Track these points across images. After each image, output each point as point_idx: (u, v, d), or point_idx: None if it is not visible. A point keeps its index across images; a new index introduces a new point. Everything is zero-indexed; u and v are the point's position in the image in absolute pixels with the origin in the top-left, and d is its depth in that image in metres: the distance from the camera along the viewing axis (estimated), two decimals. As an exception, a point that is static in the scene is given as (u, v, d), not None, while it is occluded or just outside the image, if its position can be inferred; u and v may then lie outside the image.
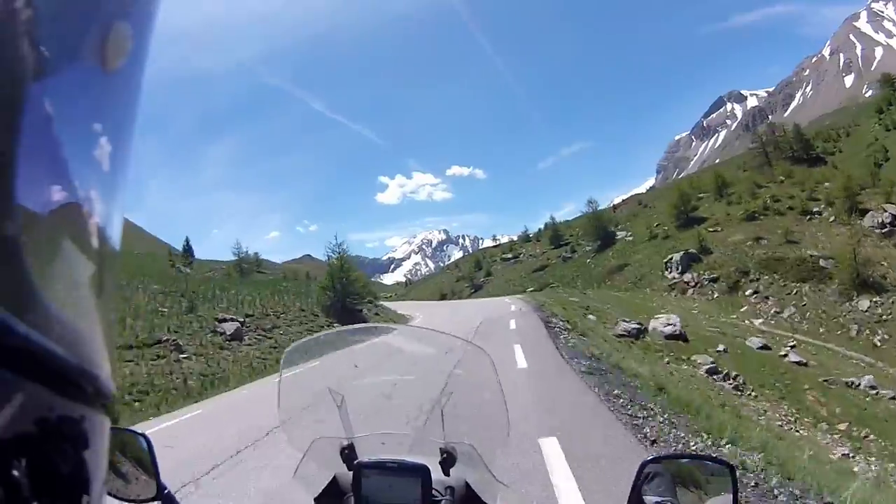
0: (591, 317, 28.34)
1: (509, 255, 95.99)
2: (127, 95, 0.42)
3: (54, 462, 0.37)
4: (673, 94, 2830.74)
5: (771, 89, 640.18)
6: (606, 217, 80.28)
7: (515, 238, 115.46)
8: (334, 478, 1.34)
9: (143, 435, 1.40)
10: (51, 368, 0.36)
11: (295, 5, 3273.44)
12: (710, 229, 57.89)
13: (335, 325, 27.41)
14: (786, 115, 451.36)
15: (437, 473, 1.25)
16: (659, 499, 1.26)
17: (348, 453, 1.32)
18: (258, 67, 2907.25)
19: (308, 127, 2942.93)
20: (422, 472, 1.21)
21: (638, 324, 29.77)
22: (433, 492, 1.24)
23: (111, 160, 0.40)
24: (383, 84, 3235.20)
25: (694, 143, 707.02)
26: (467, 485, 1.31)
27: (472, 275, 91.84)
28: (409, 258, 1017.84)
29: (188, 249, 73.96)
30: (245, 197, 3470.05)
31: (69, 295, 0.37)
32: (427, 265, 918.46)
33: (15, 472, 0.33)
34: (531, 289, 60.12)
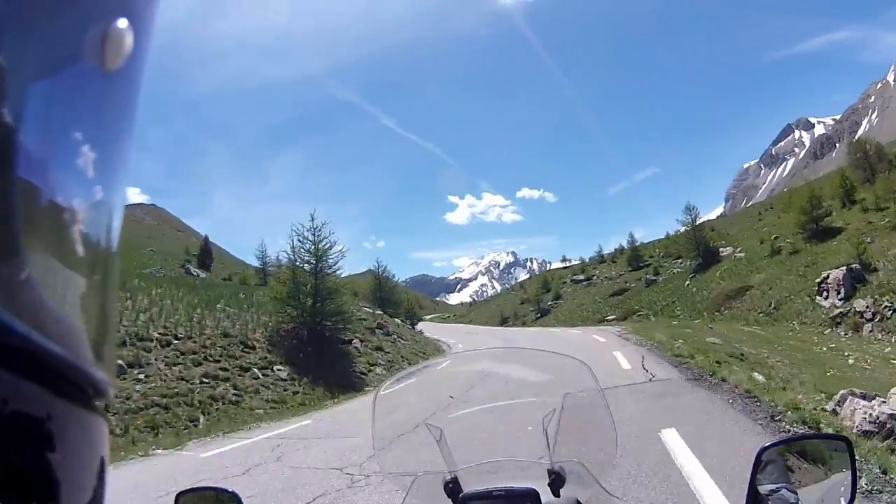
0: (757, 376, 14.08)
1: (581, 277, 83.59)
2: (127, 96, 0.41)
3: (55, 462, 0.36)
4: (741, 121, 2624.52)
5: (838, 116, 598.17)
6: (705, 232, 64.65)
7: (587, 259, 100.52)
8: None
9: (233, 493, 1.36)
10: (51, 368, 0.35)
11: (364, 21, 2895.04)
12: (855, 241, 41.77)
13: (277, 368, 19.03)
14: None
15: (546, 496, 1.16)
16: (774, 486, 1.20)
17: (452, 487, 1.21)
18: (327, 81, 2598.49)
19: (378, 142, 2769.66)
20: (531, 497, 1.13)
21: (879, 401, 14.30)
22: None
23: (111, 160, 0.39)
24: (455, 103, 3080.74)
25: (763, 171, 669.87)
26: (578, 502, 1.22)
27: (538, 297, 79.75)
28: (475, 279, 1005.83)
29: (206, 251, 67.35)
30: (311, 209, 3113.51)
31: (69, 295, 0.36)
32: (494, 287, 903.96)
33: (15, 472, 0.33)
34: (611, 316, 49.31)
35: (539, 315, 68.99)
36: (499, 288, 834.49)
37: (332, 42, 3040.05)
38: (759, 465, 1.20)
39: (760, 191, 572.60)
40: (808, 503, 1.18)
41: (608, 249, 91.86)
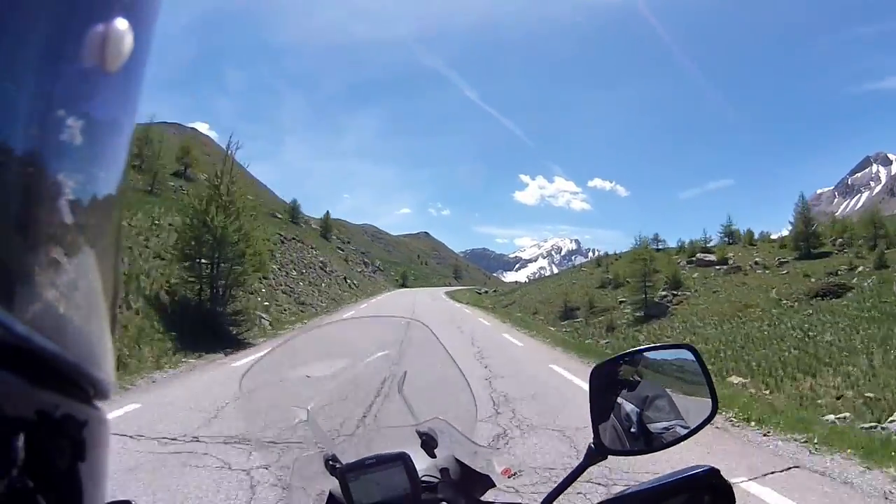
0: None
1: (712, 258, 48.91)
2: (127, 96, 0.41)
3: (55, 462, 0.36)
4: (818, 148, 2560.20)
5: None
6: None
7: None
8: (330, 494, 1.19)
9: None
10: (51, 368, 0.35)
11: None
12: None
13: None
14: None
15: (423, 457, 1.16)
16: (618, 401, 1.13)
17: (332, 464, 1.16)
18: (415, 45, 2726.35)
19: (457, 113, 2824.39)
20: (401, 459, 1.09)
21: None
22: (425, 477, 1.14)
23: (111, 160, 0.40)
24: (540, 85, 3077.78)
25: (836, 200, 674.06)
26: (457, 461, 1.20)
27: (636, 282, 41.24)
28: (535, 261, 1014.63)
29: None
30: (382, 169, 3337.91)
31: (69, 295, 0.36)
32: (552, 271, 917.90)
33: (15, 472, 0.33)
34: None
35: (644, 315, 37.66)
36: (557, 272, 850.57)
37: (426, 8, 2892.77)
38: (595, 382, 1.13)
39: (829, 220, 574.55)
40: (657, 415, 1.11)
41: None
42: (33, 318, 0.33)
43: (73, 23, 0.35)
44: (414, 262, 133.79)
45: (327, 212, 78.99)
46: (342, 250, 71.07)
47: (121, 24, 0.37)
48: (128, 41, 0.37)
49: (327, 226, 76.60)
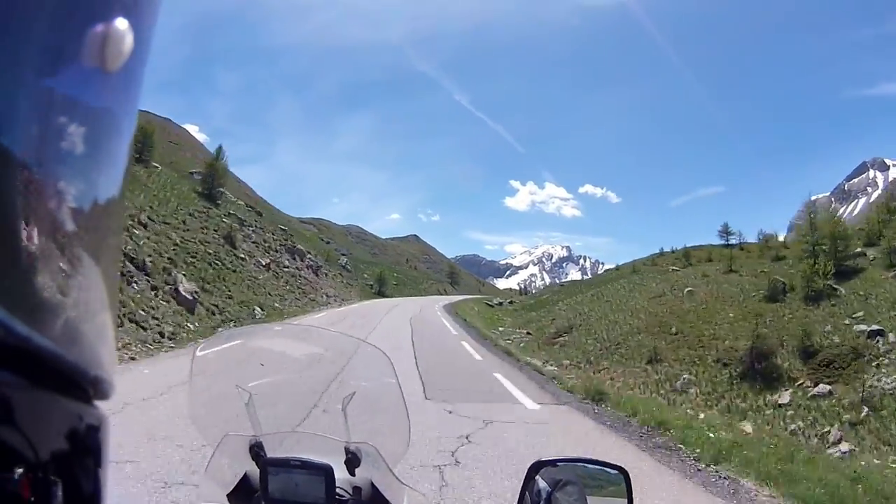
0: None
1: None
2: (127, 96, 0.41)
3: (55, 462, 0.36)
4: (812, 154, 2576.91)
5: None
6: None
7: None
8: (245, 475, 1.27)
9: None
10: (51, 368, 0.35)
11: None
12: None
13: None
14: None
15: (343, 473, 1.22)
16: (546, 498, 1.23)
17: (257, 451, 1.25)
18: (408, 49, 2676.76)
19: (447, 118, 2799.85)
20: (325, 471, 1.17)
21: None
22: (339, 491, 1.22)
23: (111, 160, 0.40)
24: (531, 90, 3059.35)
25: (833, 206, 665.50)
26: (373, 485, 1.26)
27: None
28: (526, 268, 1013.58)
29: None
30: (372, 174, 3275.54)
31: (69, 295, 0.36)
32: (543, 278, 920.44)
33: (16, 472, 0.33)
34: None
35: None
36: (548, 280, 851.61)
37: (418, 10, 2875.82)
38: (529, 478, 1.25)
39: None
40: (566, 499, 1.21)
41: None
42: (33, 318, 0.33)
43: (73, 23, 0.35)
44: (402, 265, 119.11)
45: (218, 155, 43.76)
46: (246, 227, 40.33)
47: (121, 24, 0.37)
48: (128, 41, 0.37)
49: (211, 182, 40.35)
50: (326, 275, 52.70)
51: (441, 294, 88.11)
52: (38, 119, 0.33)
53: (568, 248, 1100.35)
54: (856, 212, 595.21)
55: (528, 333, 34.46)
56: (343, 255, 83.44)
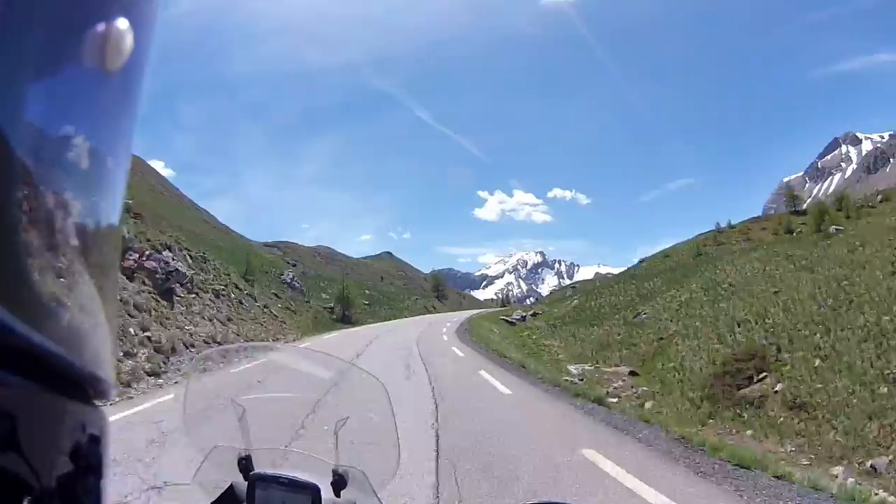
0: None
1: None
2: (127, 96, 0.41)
3: (55, 461, 0.36)
4: (780, 136, 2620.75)
5: (892, 132, 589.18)
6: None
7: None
8: (231, 486, 1.29)
9: None
10: (51, 368, 0.35)
11: (407, 11, 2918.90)
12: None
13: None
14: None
15: (329, 494, 1.24)
16: None
17: (245, 464, 1.28)
18: (366, 69, 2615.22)
19: (411, 134, 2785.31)
20: (312, 490, 1.20)
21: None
22: None
23: (111, 160, 0.39)
24: (491, 100, 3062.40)
25: (808, 185, 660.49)
26: None
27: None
28: (502, 277, 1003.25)
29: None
30: (340, 196, 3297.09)
31: (69, 295, 0.36)
32: (520, 286, 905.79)
33: (16, 472, 0.33)
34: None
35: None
36: (525, 287, 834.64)
37: (374, 30, 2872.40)
38: None
39: (805, 205, 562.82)
40: None
41: (632, 260, 49.39)
42: (33, 318, 0.33)
43: (73, 23, 0.35)
44: (377, 282, 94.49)
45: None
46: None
47: (121, 24, 0.37)
48: (128, 41, 0.37)
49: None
50: (231, 298, 28.41)
51: (430, 311, 71.76)
52: (38, 119, 0.33)
53: (542, 253, 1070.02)
54: (831, 188, 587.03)
55: (633, 373, 23.28)
56: (292, 265, 62.16)
